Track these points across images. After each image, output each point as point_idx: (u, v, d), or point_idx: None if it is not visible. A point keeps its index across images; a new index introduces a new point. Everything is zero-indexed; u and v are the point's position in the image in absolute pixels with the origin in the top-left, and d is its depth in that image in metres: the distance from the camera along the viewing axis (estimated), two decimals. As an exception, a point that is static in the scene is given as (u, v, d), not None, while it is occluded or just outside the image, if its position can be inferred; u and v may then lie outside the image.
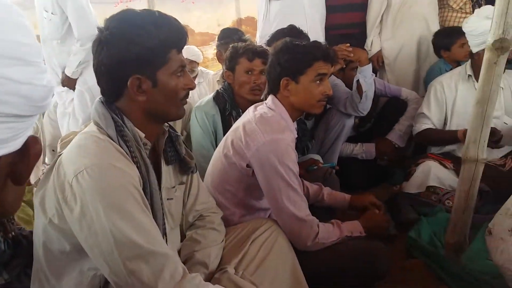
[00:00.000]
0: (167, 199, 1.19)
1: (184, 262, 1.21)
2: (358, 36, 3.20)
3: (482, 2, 3.12)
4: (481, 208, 2.12)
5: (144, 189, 1.04)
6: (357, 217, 1.63)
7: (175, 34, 1.08)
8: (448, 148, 2.43)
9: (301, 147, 2.23)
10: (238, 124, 1.60)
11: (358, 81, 2.28)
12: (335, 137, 2.46)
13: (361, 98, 2.29)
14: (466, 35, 2.28)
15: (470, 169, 1.53)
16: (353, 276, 1.44)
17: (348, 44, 2.29)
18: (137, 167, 1.04)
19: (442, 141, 2.39)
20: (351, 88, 2.48)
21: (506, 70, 2.33)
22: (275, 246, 1.33)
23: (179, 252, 1.27)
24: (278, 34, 2.38)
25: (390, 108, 2.84)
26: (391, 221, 1.82)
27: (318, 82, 1.54)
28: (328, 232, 1.46)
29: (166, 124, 1.19)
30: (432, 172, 2.24)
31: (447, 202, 2.13)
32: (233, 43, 2.26)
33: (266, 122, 1.51)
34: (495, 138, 2.06)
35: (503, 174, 2.23)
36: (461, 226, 1.60)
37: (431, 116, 2.42)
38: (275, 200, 1.44)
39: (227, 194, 1.57)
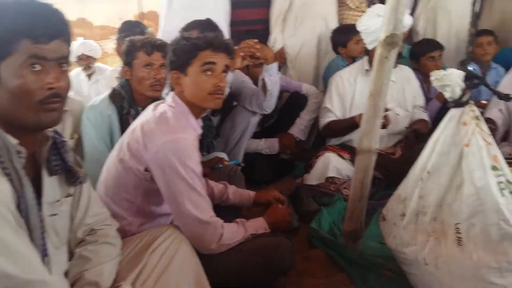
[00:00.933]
0: (50, 215, 1.04)
1: (73, 284, 1.07)
2: (262, 33, 3.24)
3: (376, 1, 3.32)
4: (375, 195, 2.27)
5: (18, 206, 0.90)
6: (263, 212, 1.62)
7: (27, 20, 0.90)
8: (345, 139, 2.55)
9: (206, 145, 2.17)
10: (135, 125, 1.48)
11: (263, 79, 2.29)
12: (241, 134, 2.45)
13: (266, 97, 2.30)
14: (361, 34, 2.40)
15: (364, 159, 1.60)
16: (259, 273, 1.43)
17: (257, 40, 2.28)
18: (10, 180, 0.88)
19: (345, 129, 2.48)
20: (256, 85, 2.49)
21: (399, 65, 2.52)
22: (177, 255, 1.24)
23: (67, 273, 1.11)
24: (191, 25, 2.28)
25: (292, 103, 2.91)
26: (294, 214, 1.85)
27: (207, 72, 1.46)
28: (233, 232, 1.42)
29: (50, 128, 1.02)
30: (331, 163, 2.34)
31: (345, 191, 2.23)
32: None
33: (165, 121, 1.41)
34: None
35: (393, 161, 2.40)
36: (357, 214, 1.67)
37: (333, 109, 2.51)
38: (176, 204, 1.36)
39: (124, 202, 1.45)
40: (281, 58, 3.26)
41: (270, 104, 2.36)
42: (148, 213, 1.49)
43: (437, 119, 2.67)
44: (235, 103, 2.56)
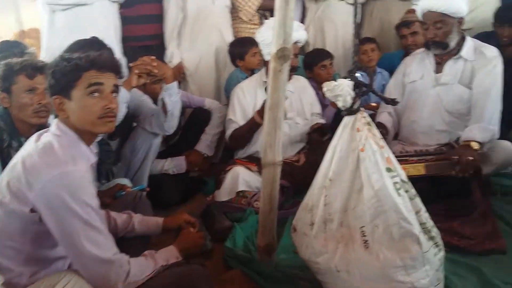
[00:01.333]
0: None
1: None
2: (157, 48, 3.15)
3: (268, 14, 3.42)
4: (284, 203, 2.30)
5: None
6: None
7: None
8: (251, 151, 2.57)
9: (104, 172, 2.02)
10: (15, 160, 1.31)
11: (162, 99, 2.20)
12: (144, 157, 2.34)
13: (166, 117, 2.22)
14: (259, 45, 2.45)
15: (270, 172, 1.60)
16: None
17: (154, 57, 2.18)
18: None
19: (248, 132, 2.49)
20: (156, 103, 2.39)
21: (294, 75, 2.61)
22: (79, 303, 1.11)
23: None
24: (75, 46, 2.09)
25: (195, 118, 2.86)
26: (207, 235, 1.79)
27: (94, 94, 1.35)
28: (141, 267, 1.32)
29: None
30: (240, 177, 2.34)
31: (256, 203, 2.24)
32: (14, 58, 1.91)
33: (51, 153, 1.26)
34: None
35: (298, 168, 2.47)
36: (269, 227, 1.67)
37: (237, 120, 2.52)
38: (73, 245, 1.22)
39: (9, 252, 1.26)
40: (179, 73, 3.20)
41: (171, 124, 2.30)
42: (41, 259, 1.32)
43: (334, 124, 2.83)
44: (134, 124, 2.43)
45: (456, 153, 2.01)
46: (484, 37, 2.85)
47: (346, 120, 1.47)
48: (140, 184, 2.21)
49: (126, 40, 3.02)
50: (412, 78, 2.45)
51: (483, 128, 2.11)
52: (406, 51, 3.17)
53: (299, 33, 2.40)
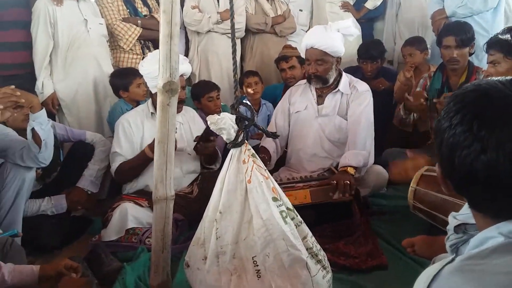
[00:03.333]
0: None
1: None
2: (26, 77, 2.91)
3: (150, 44, 3.39)
4: (179, 238, 2.25)
5: None
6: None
7: None
8: (141, 185, 2.47)
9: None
10: None
11: (33, 129, 2.01)
12: (15, 195, 2.09)
13: (40, 148, 2.03)
14: (144, 77, 2.39)
15: (162, 207, 1.56)
16: None
17: (13, 87, 1.98)
18: None
19: (137, 166, 2.40)
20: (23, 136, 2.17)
21: (184, 106, 2.60)
22: None
23: None
24: None
25: (76, 153, 2.65)
26: (93, 280, 1.66)
27: None
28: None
29: None
30: (129, 214, 2.22)
31: (147, 240, 2.14)
32: None
33: None
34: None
35: (192, 201, 2.44)
36: (162, 266, 1.61)
37: (123, 153, 2.41)
38: None
39: None
40: (53, 105, 2.98)
41: (46, 155, 2.11)
42: None
43: (224, 153, 2.89)
44: (1, 160, 2.18)
45: (334, 178, 2.20)
46: (351, 70, 3.22)
47: (232, 152, 1.51)
48: (11, 229, 1.96)
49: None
50: (297, 109, 2.65)
51: (356, 154, 2.35)
52: (286, 84, 3.41)
53: (183, 66, 2.42)
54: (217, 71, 3.66)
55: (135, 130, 2.47)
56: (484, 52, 2.41)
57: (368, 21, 4.08)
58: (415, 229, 2.08)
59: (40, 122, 2.03)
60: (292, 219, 1.46)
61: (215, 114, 1.49)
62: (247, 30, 3.73)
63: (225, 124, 1.45)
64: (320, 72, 2.49)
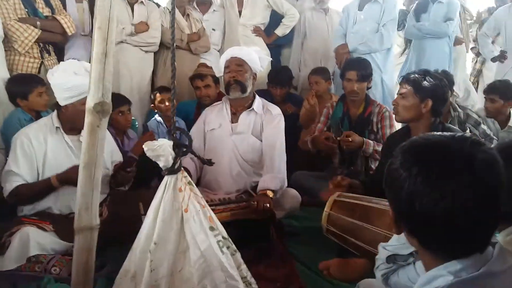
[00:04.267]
0: None
1: None
2: None
3: (50, 47, 3.11)
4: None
5: None
6: None
7: None
8: (42, 206, 2.22)
9: None
10: None
11: None
12: None
13: None
14: (52, 87, 2.17)
15: (86, 237, 1.43)
16: None
17: None
18: None
19: (39, 193, 2.17)
20: None
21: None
22: None
23: None
24: None
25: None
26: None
27: None
28: None
29: None
30: (31, 239, 1.97)
31: (54, 269, 1.93)
32: None
33: None
34: None
35: (102, 223, 2.19)
36: (83, 302, 1.46)
37: (21, 172, 2.14)
38: None
39: None
40: None
41: None
42: None
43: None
44: None
45: (255, 199, 2.25)
46: (260, 93, 3.34)
47: (168, 180, 1.45)
48: None
49: None
50: (212, 127, 2.66)
51: (274, 178, 2.43)
52: (199, 101, 3.39)
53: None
54: (127, 83, 3.50)
55: (37, 147, 2.19)
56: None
57: (276, 47, 4.28)
58: (327, 251, 2.21)
59: None
60: (228, 248, 1.45)
61: (153, 141, 1.42)
62: (161, 44, 3.65)
63: (164, 151, 1.39)
64: (239, 78, 2.54)
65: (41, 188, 2.14)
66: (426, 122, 2.18)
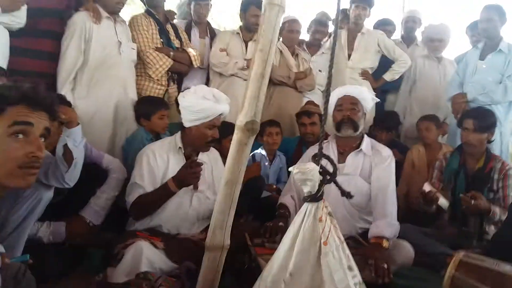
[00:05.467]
0: None
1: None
2: (46, 88, 2.71)
3: (176, 77, 3.32)
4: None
5: None
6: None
7: None
8: (154, 223, 2.26)
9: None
10: None
11: (65, 145, 1.83)
12: (26, 214, 1.81)
13: (69, 167, 1.83)
14: (181, 108, 2.27)
15: (215, 257, 1.40)
16: None
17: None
18: None
19: (157, 201, 2.21)
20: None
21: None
22: None
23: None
24: None
25: (87, 176, 2.42)
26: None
27: (18, 136, 1.08)
28: None
29: None
30: (144, 255, 1.97)
31: (161, 288, 1.91)
32: None
33: None
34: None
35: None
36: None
37: (145, 185, 2.21)
38: None
39: None
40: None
41: (74, 175, 1.93)
42: None
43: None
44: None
45: (370, 255, 2.02)
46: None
47: (308, 207, 1.38)
48: (12, 250, 1.70)
49: (10, 74, 2.53)
50: None
51: (389, 224, 2.23)
52: (302, 138, 3.37)
53: (225, 106, 2.33)
54: (233, 114, 3.57)
55: (160, 163, 2.29)
56: None
57: (381, 92, 4.18)
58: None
59: (74, 139, 1.86)
60: (363, 292, 1.32)
61: (305, 164, 1.37)
62: (269, 80, 3.72)
63: (313, 176, 1.33)
64: (353, 116, 2.45)
65: (161, 194, 2.18)
66: None
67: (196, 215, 2.34)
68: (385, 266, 1.96)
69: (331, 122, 2.65)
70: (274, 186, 3.14)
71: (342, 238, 1.37)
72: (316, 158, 1.42)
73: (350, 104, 2.48)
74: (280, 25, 1.46)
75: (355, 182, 2.45)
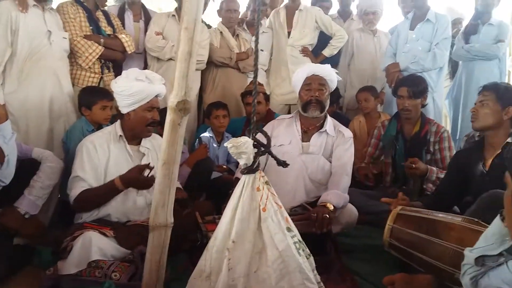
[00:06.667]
0: None
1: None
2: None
3: (110, 64, 3.24)
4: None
5: None
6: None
7: None
8: (102, 214, 2.24)
9: None
10: None
11: None
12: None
13: (1, 164, 1.78)
14: (115, 95, 2.24)
15: (160, 235, 1.43)
16: None
17: None
18: None
19: (103, 197, 2.20)
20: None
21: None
22: None
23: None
24: None
25: (21, 172, 2.31)
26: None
27: None
28: None
29: None
30: (93, 244, 1.97)
31: (114, 274, 1.91)
32: None
33: None
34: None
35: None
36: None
37: (86, 177, 2.18)
38: None
39: None
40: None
41: (8, 172, 1.88)
42: None
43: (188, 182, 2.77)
44: None
45: (314, 211, 2.19)
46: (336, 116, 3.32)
47: (245, 179, 1.44)
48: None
49: None
50: (281, 142, 2.59)
51: (338, 195, 2.36)
52: (248, 118, 3.42)
53: (161, 86, 2.32)
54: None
55: (101, 153, 2.25)
56: None
57: (323, 67, 4.29)
58: (387, 268, 2.12)
59: (4, 135, 1.79)
60: (303, 250, 1.41)
61: (238, 138, 1.42)
62: (210, 62, 3.73)
63: (247, 148, 1.38)
64: (321, 97, 2.51)
65: (106, 192, 2.17)
66: (505, 130, 2.15)
67: (145, 201, 2.33)
68: (327, 216, 2.11)
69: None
70: (224, 166, 3.19)
71: (280, 203, 1.45)
72: (251, 132, 1.47)
73: (318, 84, 2.52)
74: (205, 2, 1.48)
75: (318, 161, 2.55)
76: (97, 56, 3.08)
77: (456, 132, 4.05)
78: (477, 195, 2.04)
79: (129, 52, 3.29)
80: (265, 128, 2.73)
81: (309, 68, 2.61)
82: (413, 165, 2.62)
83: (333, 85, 2.61)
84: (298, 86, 2.61)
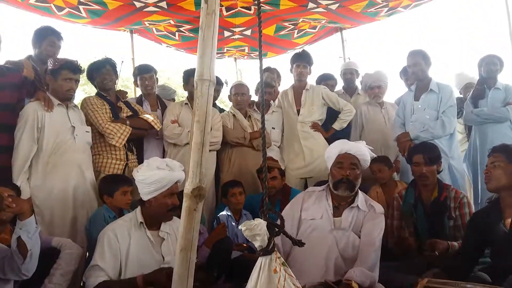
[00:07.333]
0: None
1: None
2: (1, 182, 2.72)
3: (133, 147, 3.44)
4: None
5: None
6: None
7: None
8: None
9: None
10: None
11: (19, 237, 1.85)
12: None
13: (24, 259, 1.84)
14: (137, 183, 2.34)
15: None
16: None
17: (8, 189, 1.87)
18: None
19: None
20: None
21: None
22: None
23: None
24: None
25: (42, 261, 2.34)
26: None
27: None
28: None
29: None
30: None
31: None
32: None
33: None
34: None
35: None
36: None
37: (105, 267, 2.20)
38: None
39: None
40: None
41: (30, 266, 1.91)
42: None
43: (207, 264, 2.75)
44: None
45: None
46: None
47: (262, 261, 1.46)
48: None
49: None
50: (312, 216, 2.55)
51: (365, 273, 2.25)
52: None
53: (180, 173, 2.41)
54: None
55: (122, 241, 2.29)
56: None
57: (333, 141, 4.36)
58: None
59: (28, 230, 1.87)
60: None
61: (251, 220, 1.46)
62: (225, 143, 3.88)
63: (260, 230, 1.42)
64: (352, 176, 2.49)
65: (125, 287, 2.18)
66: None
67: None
68: None
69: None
70: (244, 245, 3.17)
71: (298, 284, 1.44)
72: (264, 213, 1.51)
73: (350, 164, 2.52)
74: (213, 95, 1.61)
75: (348, 237, 2.47)
76: (128, 135, 3.28)
77: (478, 195, 3.98)
78: (500, 254, 2.01)
79: (158, 129, 3.54)
80: (295, 200, 2.73)
81: (342, 145, 2.61)
82: (436, 252, 2.52)
83: (366, 164, 2.61)
84: (330, 163, 2.61)
